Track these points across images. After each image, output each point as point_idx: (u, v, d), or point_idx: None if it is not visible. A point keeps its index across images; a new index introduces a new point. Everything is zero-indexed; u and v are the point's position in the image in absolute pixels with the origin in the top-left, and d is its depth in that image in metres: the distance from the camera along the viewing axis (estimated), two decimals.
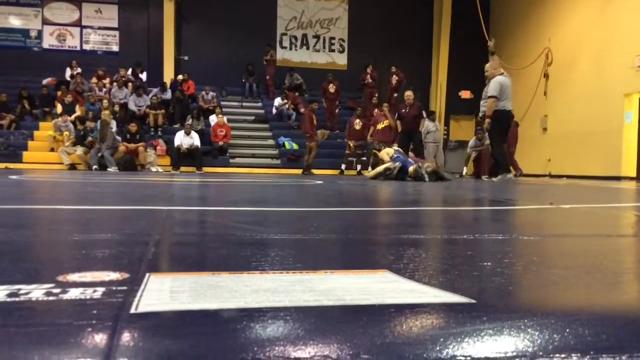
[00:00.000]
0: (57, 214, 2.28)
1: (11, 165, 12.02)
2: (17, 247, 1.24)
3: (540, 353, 0.54)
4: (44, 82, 15.56)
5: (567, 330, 0.60)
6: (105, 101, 13.93)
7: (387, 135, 11.99)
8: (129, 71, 15.92)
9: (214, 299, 0.70)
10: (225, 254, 1.18)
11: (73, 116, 13.79)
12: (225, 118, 14.43)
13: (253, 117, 16.13)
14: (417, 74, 17.13)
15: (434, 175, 7.91)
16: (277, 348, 0.53)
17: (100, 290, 0.75)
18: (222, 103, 15.92)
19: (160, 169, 12.77)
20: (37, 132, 13.79)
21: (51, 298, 0.70)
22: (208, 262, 1.11)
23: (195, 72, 16.43)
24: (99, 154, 12.46)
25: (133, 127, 12.97)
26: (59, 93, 14.76)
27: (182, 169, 13.04)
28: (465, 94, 18.20)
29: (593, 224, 2.22)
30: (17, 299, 0.69)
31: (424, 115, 11.67)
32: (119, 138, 12.90)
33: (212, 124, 14.26)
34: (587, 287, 0.89)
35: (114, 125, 13.09)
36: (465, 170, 12.90)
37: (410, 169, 7.98)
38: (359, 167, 13.67)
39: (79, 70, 15.62)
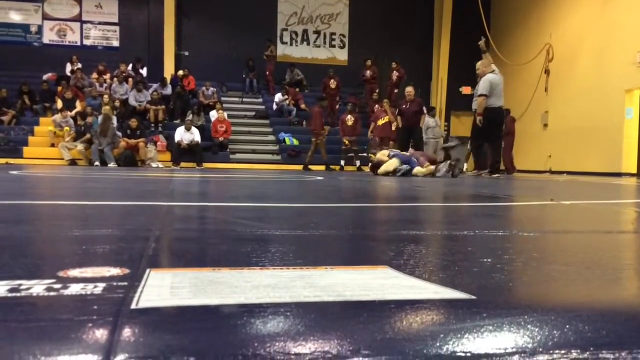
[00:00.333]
0: (58, 209, 2.29)
1: (12, 161, 12.04)
2: (18, 243, 1.24)
3: (540, 349, 0.54)
4: (44, 77, 15.54)
5: (567, 326, 0.60)
6: (105, 96, 13.92)
7: (388, 131, 11.99)
8: (130, 66, 15.90)
9: (215, 295, 0.70)
10: (225, 249, 1.18)
11: (73, 111, 13.78)
12: (225, 114, 14.41)
13: (253, 113, 16.12)
14: (417, 70, 17.11)
15: (451, 170, 8.08)
16: (277, 344, 0.53)
17: (101, 285, 0.75)
18: (223, 99, 15.90)
19: (160, 165, 12.76)
20: (37, 127, 13.78)
21: (52, 293, 0.70)
22: (208, 257, 1.11)
23: (196, 68, 16.40)
24: (99, 148, 12.46)
25: (133, 122, 12.96)
26: (59, 88, 14.75)
27: (183, 164, 13.04)
28: (466, 90, 18.14)
29: (593, 220, 2.22)
30: (18, 294, 0.69)
31: (425, 111, 11.66)
32: (119, 134, 12.90)
33: (213, 119, 14.25)
34: (587, 283, 0.89)
35: (114, 120, 13.09)
36: (465, 166, 12.90)
37: (423, 169, 8.10)
38: (357, 162, 13.68)
39: (79, 65, 15.59)
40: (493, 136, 8.77)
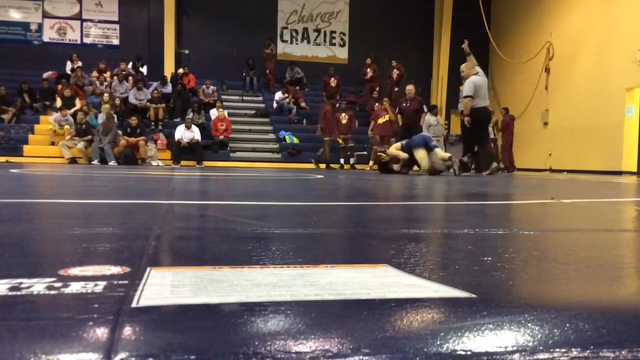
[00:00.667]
0: (58, 207, 2.29)
1: (12, 159, 12.04)
2: (19, 241, 1.24)
3: (541, 348, 0.54)
4: (45, 75, 15.54)
5: (568, 324, 0.60)
6: (106, 95, 13.92)
7: (388, 129, 11.98)
8: (130, 65, 15.89)
9: (215, 293, 0.71)
10: (226, 248, 1.18)
11: (73, 110, 13.78)
12: (225, 112, 14.41)
13: (254, 111, 16.11)
14: (418, 68, 17.10)
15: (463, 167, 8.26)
16: (278, 342, 0.53)
17: (102, 284, 0.75)
18: (223, 97, 15.89)
19: (160, 163, 12.76)
20: (37, 125, 13.79)
21: (53, 292, 0.70)
22: (209, 256, 1.11)
23: (196, 66, 16.40)
24: (100, 146, 12.46)
25: (133, 121, 12.96)
26: (60, 87, 14.75)
27: (183, 163, 13.05)
28: None
29: (594, 219, 2.22)
30: (18, 293, 0.70)
31: (425, 109, 11.65)
32: (119, 132, 12.90)
33: (213, 118, 14.24)
34: (588, 281, 0.89)
35: (115, 119, 13.09)
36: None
37: (445, 154, 8.35)
38: (352, 160, 13.66)
39: (80, 63, 15.59)
40: (479, 136, 9.03)
